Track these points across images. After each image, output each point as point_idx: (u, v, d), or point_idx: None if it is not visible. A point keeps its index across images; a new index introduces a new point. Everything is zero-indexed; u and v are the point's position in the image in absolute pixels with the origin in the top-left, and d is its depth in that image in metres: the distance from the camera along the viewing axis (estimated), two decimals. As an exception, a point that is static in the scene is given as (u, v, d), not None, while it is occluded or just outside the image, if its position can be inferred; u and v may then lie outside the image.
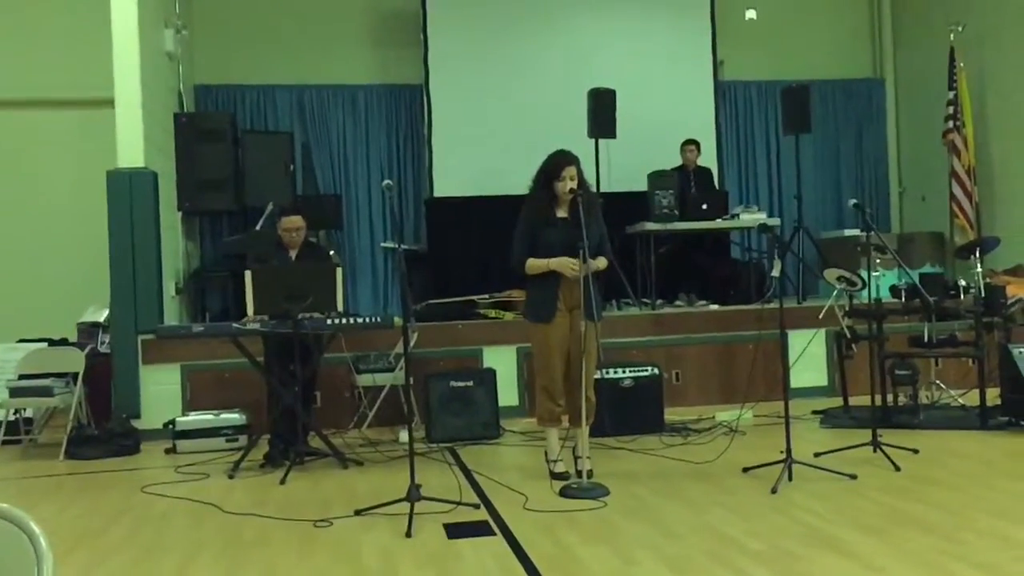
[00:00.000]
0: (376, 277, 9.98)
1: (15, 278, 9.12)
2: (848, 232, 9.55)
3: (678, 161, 9.13)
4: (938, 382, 6.99)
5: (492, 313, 7.85)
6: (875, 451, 5.25)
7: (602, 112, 8.51)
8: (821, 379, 7.84)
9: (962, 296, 6.48)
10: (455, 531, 4.18)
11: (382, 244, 9.89)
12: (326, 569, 3.73)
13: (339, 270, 5.92)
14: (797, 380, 7.53)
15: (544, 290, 5.08)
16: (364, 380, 6.96)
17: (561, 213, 5.11)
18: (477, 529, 4.22)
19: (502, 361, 7.29)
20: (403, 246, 5.43)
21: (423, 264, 9.22)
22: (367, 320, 6.02)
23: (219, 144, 8.54)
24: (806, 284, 8.94)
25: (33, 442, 7.09)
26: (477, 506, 4.58)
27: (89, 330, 7.70)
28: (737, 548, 3.74)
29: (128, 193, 7.15)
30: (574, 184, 5.01)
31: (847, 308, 6.74)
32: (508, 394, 7.20)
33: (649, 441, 6.13)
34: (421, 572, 3.63)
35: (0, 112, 9.35)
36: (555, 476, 5.12)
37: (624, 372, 6.56)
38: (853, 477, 4.81)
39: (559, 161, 5.07)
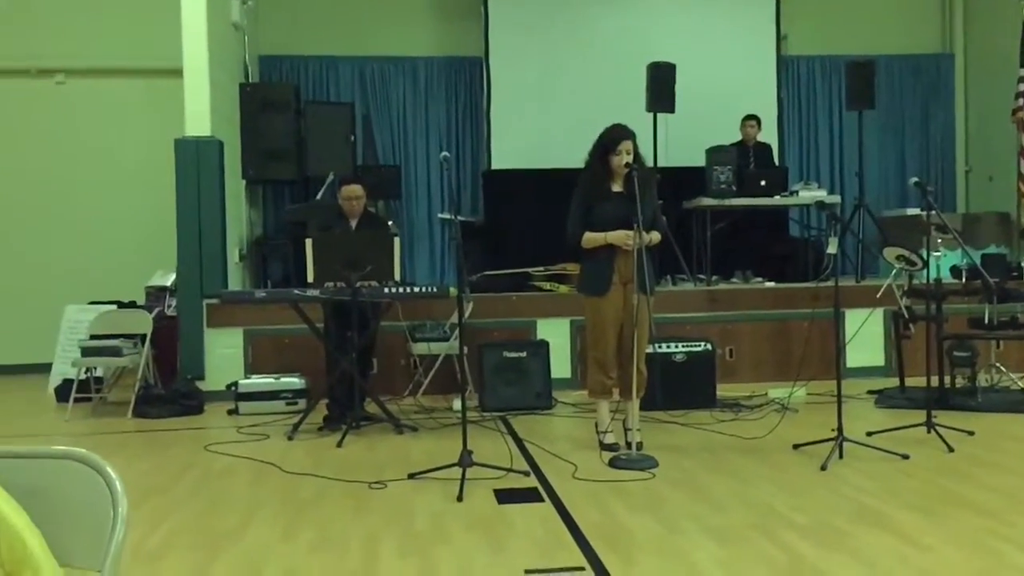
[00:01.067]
0: (433, 248, 10.10)
1: (86, 243, 9.45)
2: (911, 211, 9.36)
3: (737, 136, 9.05)
4: (998, 365, 6.89)
5: (547, 285, 7.92)
6: (929, 432, 5.22)
7: (661, 86, 8.46)
8: (878, 359, 7.76)
9: (1025, 278, 6.36)
10: (505, 496, 4.28)
11: (439, 215, 10.00)
12: (379, 529, 3.85)
13: (397, 240, 6.03)
14: (853, 360, 7.54)
15: (599, 263, 5.12)
16: (419, 349, 7.09)
17: (616, 187, 5.14)
18: (526, 496, 4.31)
19: (555, 333, 7.36)
20: (460, 217, 5.51)
21: (479, 236, 9.30)
22: (423, 289, 6.14)
23: (283, 114, 8.71)
24: (865, 263, 8.84)
25: (103, 400, 7.37)
26: (527, 473, 4.68)
27: (157, 294, 7.96)
28: (783, 522, 3.78)
29: (195, 161, 7.35)
30: (630, 158, 5.04)
31: (906, 288, 6.66)
32: (561, 366, 7.27)
33: (700, 416, 6.16)
34: (470, 534, 3.74)
35: (72, 80, 9.65)
36: (605, 447, 5.19)
37: (677, 347, 6.58)
38: (905, 457, 4.80)
39: (615, 135, 5.10)
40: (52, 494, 1.61)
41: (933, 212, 5.61)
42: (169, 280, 7.91)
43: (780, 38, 9.97)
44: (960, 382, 6.41)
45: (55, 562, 1.49)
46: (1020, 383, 6.67)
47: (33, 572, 1.46)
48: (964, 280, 6.59)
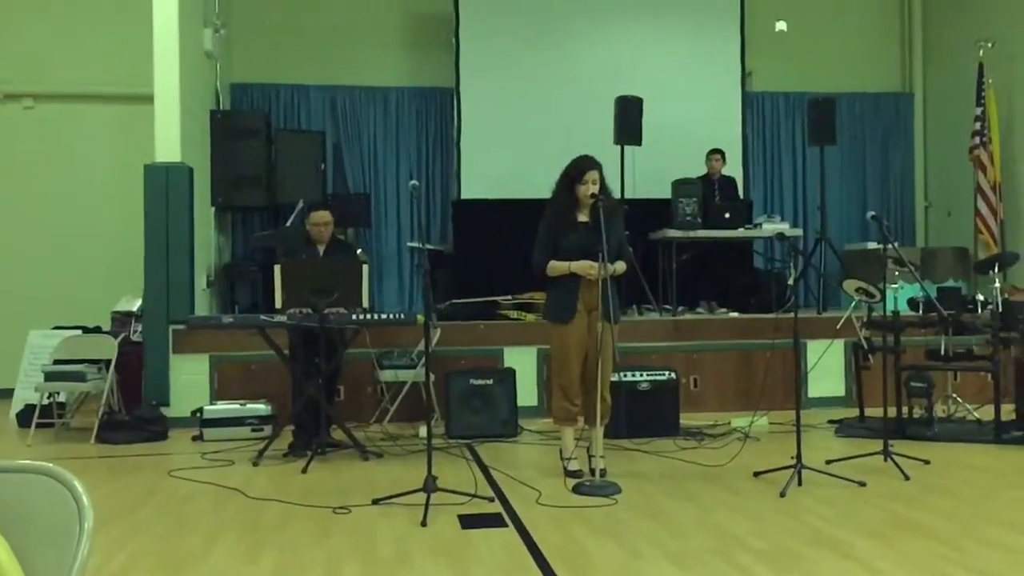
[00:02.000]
0: (402, 276, 10.16)
1: (52, 266, 9.39)
2: (871, 245, 9.57)
3: (703, 170, 9.23)
4: (954, 395, 7.03)
5: (514, 314, 7.99)
6: (886, 460, 5.32)
7: (628, 119, 8.62)
8: (838, 389, 7.90)
9: (980, 311, 6.53)
10: (469, 522, 4.31)
11: (408, 244, 10.06)
12: (343, 553, 3.87)
13: (365, 267, 6.07)
14: (815, 390, 7.67)
15: (564, 292, 5.20)
16: (387, 376, 7.11)
17: (582, 217, 5.24)
18: (490, 520, 4.35)
19: (522, 361, 7.42)
20: (428, 246, 5.58)
21: (448, 264, 9.37)
22: (391, 317, 6.19)
23: (253, 142, 8.75)
24: (827, 295, 9.00)
25: (65, 426, 7.31)
26: (492, 499, 4.72)
27: (122, 319, 7.93)
28: (741, 546, 3.85)
29: (164, 187, 7.37)
30: (596, 188, 5.14)
31: (865, 319, 6.81)
32: (527, 394, 7.33)
33: (663, 444, 6.23)
34: (434, 559, 3.77)
35: (43, 105, 9.65)
36: (569, 474, 5.24)
37: (642, 376, 6.67)
38: (862, 484, 4.90)
39: (582, 165, 5.20)
40: (19, 507, 1.64)
41: (890, 246, 5.76)
42: (135, 305, 7.89)
43: (745, 74, 10.20)
44: (917, 412, 6.54)
45: (22, 572, 1.52)
46: (975, 414, 6.82)
47: (-1, 583, 1.49)
48: (921, 312, 6.74)
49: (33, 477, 1.67)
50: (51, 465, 1.69)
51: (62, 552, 1.62)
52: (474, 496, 4.66)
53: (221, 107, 9.15)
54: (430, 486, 4.53)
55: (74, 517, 1.65)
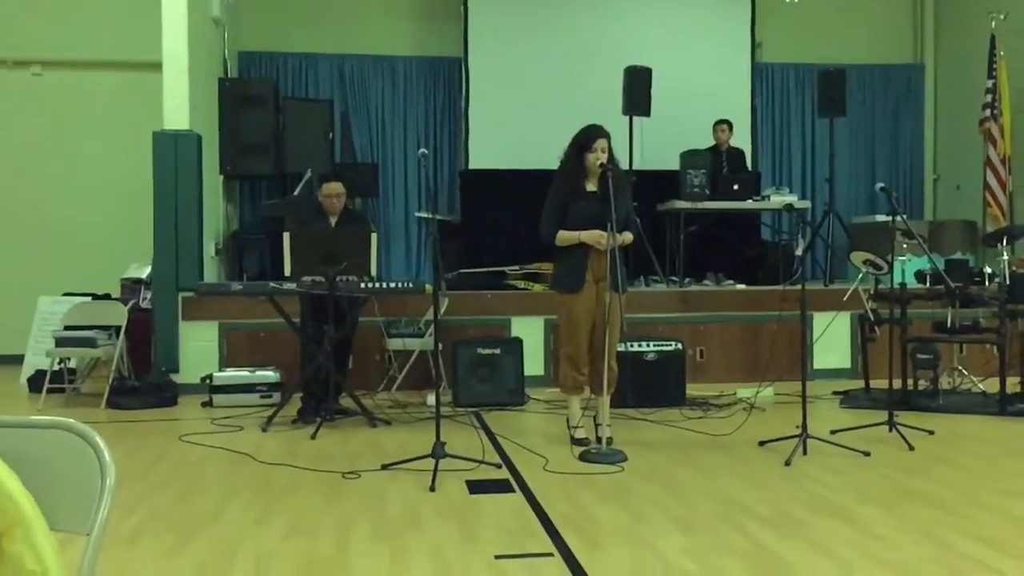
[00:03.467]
0: (409, 246, 10.17)
1: (62, 234, 9.43)
2: (880, 217, 9.56)
3: (711, 141, 9.20)
4: (960, 368, 7.06)
5: (521, 284, 8.01)
6: (891, 431, 5.35)
7: (637, 90, 8.59)
8: (844, 361, 7.92)
9: (987, 283, 6.54)
10: (477, 487, 4.36)
11: (416, 214, 10.07)
12: (352, 516, 3.92)
13: (374, 236, 6.09)
14: (820, 361, 7.69)
15: (572, 261, 5.22)
16: (395, 344, 7.15)
17: (591, 187, 5.24)
18: (498, 487, 4.40)
19: (529, 331, 7.45)
20: (437, 216, 5.60)
21: (456, 234, 9.39)
22: (399, 285, 6.21)
23: (261, 110, 8.74)
24: (834, 267, 9.01)
25: (76, 391, 7.38)
26: (499, 466, 4.77)
27: (132, 286, 7.97)
28: (745, 512, 3.90)
29: (173, 154, 7.37)
30: (605, 156, 5.14)
31: (872, 292, 6.82)
32: (534, 363, 7.37)
33: (670, 414, 6.27)
34: (442, 522, 3.82)
35: (52, 72, 9.63)
36: (575, 442, 5.28)
37: (649, 346, 6.70)
38: (866, 454, 4.93)
39: (591, 133, 5.20)
40: (42, 462, 1.67)
41: (898, 217, 5.76)
42: (144, 273, 7.93)
43: (755, 46, 10.14)
44: (923, 384, 6.57)
45: (46, 524, 1.56)
46: (981, 386, 6.84)
47: (24, 532, 1.53)
48: (928, 285, 6.75)
49: (56, 433, 1.71)
50: (73, 421, 1.73)
51: (85, 505, 1.66)
52: (482, 462, 4.71)
53: (229, 75, 9.13)
54: (438, 452, 4.58)
55: (96, 473, 1.68)
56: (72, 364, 7.47)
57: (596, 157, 5.15)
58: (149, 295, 7.66)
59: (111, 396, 6.85)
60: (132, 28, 9.02)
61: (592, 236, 5.11)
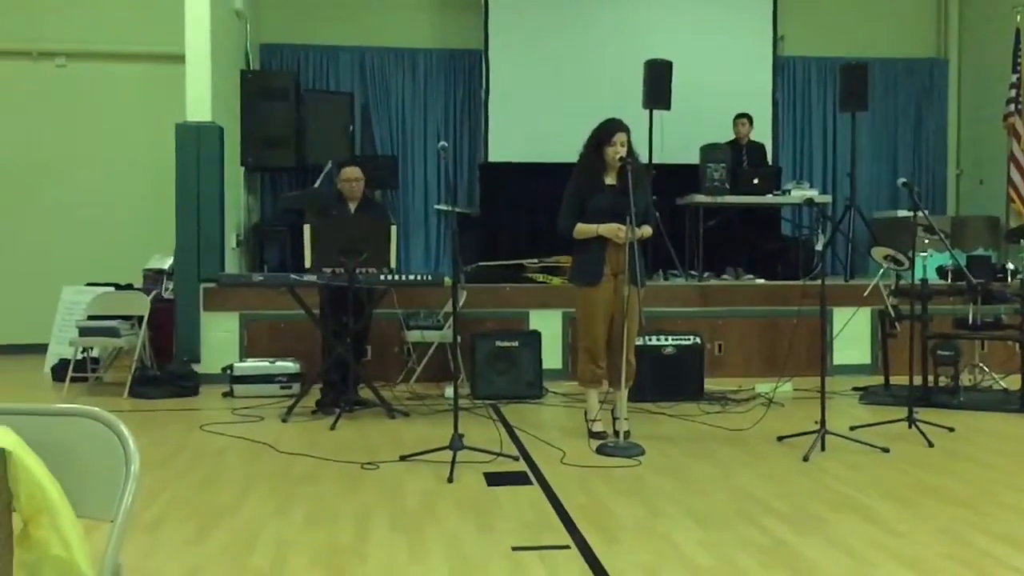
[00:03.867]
0: (428, 238, 10.20)
1: (85, 225, 9.52)
2: (901, 212, 9.50)
3: (731, 135, 9.16)
4: (981, 364, 7.01)
5: (540, 277, 8.02)
6: (910, 427, 5.33)
7: (657, 83, 8.57)
8: (865, 357, 7.88)
9: (1009, 280, 6.48)
10: (494, 479, 4.38)
11: (436, 206, 10.10)
12: (371, 506, 3.96)
13: (393, 228, 6.12)
14: (840, 357, 7.66)
15: (591, 254, 5.23)
16: (413, 336, 7.18)
17: (610, 180, 5.25)
18: (515, 479, 4.42)
19: (548, 324, 7.46)
20: (456, 208, 5.61)
21: (475, 227, 9.41)
22: (419, 278, 6.24)
23: (282, 102, 8.78)
24: (855, 262, 8.96)
25: (99, 380, 7.47)
26: (516, 458, 4.79)
27: (154, 276, 8.04)
28: (763, 507, 3.90)
29: (195, 146, 7.42)
30: (624, 150, 5.14)
31: (893, 287, 6.78)
32: (552, 356, 7.37)
33: (688, 408, 6.27)
34: (460, 513, 3.84)
35: (75, 63, 9.72)
36: (593, 435, 5.29)
37: (667, 340, 6.69)
38: (885, 450, 4.91)
39: (610, 127, 5.20)
40: (68, 449, 1.70)
41: (920, 213, 5.72)
42: (167, 263, 7.99)
43: (776, 39, 10.08)
44: (943, 381, 6.53)
45: (72, 510, 1.59)
46: (1002, 383, 6.80)
47: (51, 519, 1.56)
48: (949, 281, 6.70)
49: (81, 421, 1.74)
50: (98, 409, 1.75)
51: (110, 492, 1.68)
52: (499, 455, 4.73)
53: (251, 67, 9.18)
54: (456, 444, 4.60)
55: (120, 460, 1.71)
56: (95, 353, 7.55)
57: (615, 151, 5.15)
58: (171, 285, 7.72)
59: (133, 385, 6.92)
60: (155, 20, 9.09)
61: (610, 229, 5.11)
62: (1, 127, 9.62)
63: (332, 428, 5.62)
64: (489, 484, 4.31)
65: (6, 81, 9.65)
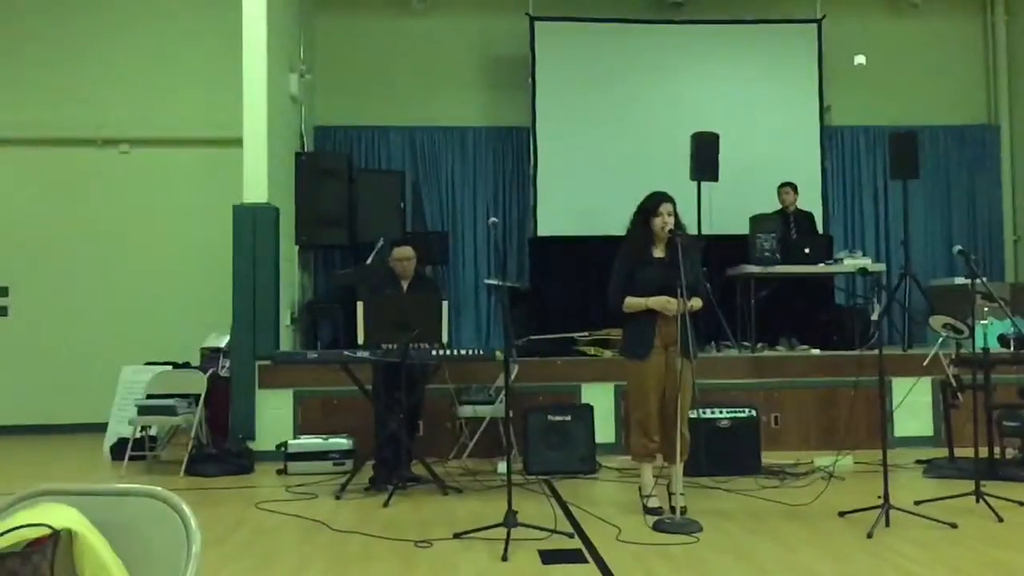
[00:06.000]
0: (479, 313, 10.26)
1: (144, 304, 9.76)
2: (959, 280, 9.34)
3: (779, 205, 9.14)
4: (1050, 435, 6.78)
5: (591, 351, 8.00)
6: (978, 502, 5.16)
7: (705, 155, 8.62)
8: (927, 429, 7.68)
9: (1075, 347, 6.31)
10: (549, 557, 4.32)
11: (486, 280, 10.18)
12: (426, 585, 3.92)
13: (445, 303, 6.17)
14: (901, 429, 7.48)
15: (641, 327, 5.21)
16: (465, 411, 7.17)
17: (658, 253, 5.26)
18: (571, 556, 4.35)
19: (600, 397, 7.41)
20: (507, 283, 5.66)
21: (525, 301, 9.45)
22: (470, 352, 6.26)
23: (336, 182, 9.00)
24: (912, 332, 8.79)
25: (156, 458, 7.55)
26: (571, 535, 4.72)
27: (211, 355, 8.17)
28: (827, 586, 3.78)
29: (252, 227, 7.61)
30: (671, 220, 5.16)
31: (953, 356, 6.64)
32: (605, 430, 7.31)
33: (744, 482, 6.15)
34: (515, 593, 3.79)
35: (138, 149, 10.09)
36: (648, 511, 5.20)
37: (722, 412, 6.60)
38: (953, 526, 4.76)
39: (656, 199, 5.24)
40: (130, 528, 1.73)
41: (978, 280, 5.62)
42: (223, 342, 8.13)
43: (824, 109, 10.12)
44: (1010, 453, 6.33)
45: (136, 591, 1.61)
46: (1072, 454, 6.56)
47: (115, 599, 1.58)
48: (1012, 349, 6.54)
49: (144, 500, 1.77)
50: (160, 489, 1.79)
51: (170, 573, 1.71)
52: (554, 531, 4.67)
53: (305, 148, 9.44)
54: (511, 521, 4.56)
55: (182, 540, 1.74)
56: (153, 432, 7.66)
57: (663, 222, 5.17)
58: (227, 363, 7.84)
59: (190, 464, 6.99)
60: (213, 106, 9.42)
61: (659, 302, 5.10)
62: (66, 211, 9.97)
63: (385, 505, 5.61)
64: (544, 562, 4.25)
65: (72, 167, 10.04)
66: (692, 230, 7.00)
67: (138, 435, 7.36)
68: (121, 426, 7.85)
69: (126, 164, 10.09)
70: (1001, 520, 4.90)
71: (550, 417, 6.82)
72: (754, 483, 6.13)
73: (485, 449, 7.20)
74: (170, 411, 7.21)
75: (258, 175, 7.67)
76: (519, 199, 10.35)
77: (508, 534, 4.46)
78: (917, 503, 5.11)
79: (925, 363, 6.79)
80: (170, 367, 8.07)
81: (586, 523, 5.04)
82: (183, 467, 6.96)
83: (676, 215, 5.22)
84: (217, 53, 9.25)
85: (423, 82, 10.38)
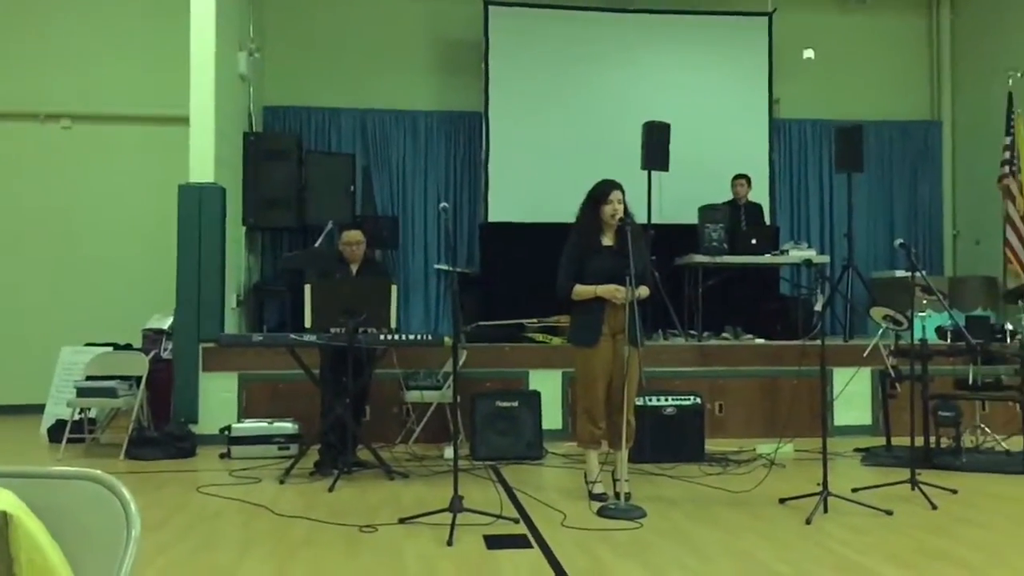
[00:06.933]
0: (428, 298, 10.23)
1: (85, 284, 9.55)
2: (899, 272, 9.55)
3: (729, 196, 9.25)
4: (983, 426, 6.98)
5: (540, 337, 8.02)
6: (913, 489, 5.29)
7: (656, 145, 8.67)
8: (865, 418, 7.85)
9: (1009, 340, 6.49)
10: (494, 542, 4.33)
11: (436, 266, 10.14)
12: (370, 570, 3.91)
13: (394, 288, 6.14)
14: (841, 418, 7.63)
15: (589, 315, 5.24)
16: (412, 396, 7.16)
17: (607, 241, 5.28)
18: (516, 542, 4.37)
19: (547, 384, 7.44)
20: (456, 268, 5.64)
21: (474, 287, 9.44)
22: (418, 338, 6.24)
23: (284, 163, 8.89)
24: (854, 322, 8.97)
25: (96, 441, 7.41)
26: (517, 520, 4.74)
27: (153, 336, 8.02)
28: (767, 572, 3.85)
29: (197, 207, 7.49)
30: (621, 208, 5.18)
31: (892, 348, 6.78)
32: (552, 417, 7.34)
33: (688, 469, 6.22)
34: (460, 578, 3.80)
35: (80, 126, 9.84)
36: (594, 497, 5.24)
37: (667, 400, 6.67)
38: (889, 513, 4.87)
39: (605, 186, 5.27)
40: (68, 512, 1.69)
41: (918, 273, 5.75)
42: (166, 323, 7.99)
43: (773, 101, 10.24)
44: (945, 442, 6.49)
45: (72, 574, 1.57)
46: (1003, 444, 6.76)
47: (51, 585, 1.54)
48: (949, 341, 6.71)
49: (82, 484, 1.73)
50: (99, 472, 1.75)
51: (109, 558, 1.67)
52: (499, 517, 4.68)
53: (254, 129, 9.30)
54: (456, 506, 4.56)
55: (121, 524, 1.70)
56: (92, 414, 7.51)
57: (613, 209, 5.19)
58: (170, 346, 7.71)
59: (130, 447, 6.87)
60: (159, 83, 9.23)
61: (607, 290, 5.13)
62: (6, 187, 9.70)
63: (330, 490, 5.57)
64: (489, 547, 4.26)
65: (12, 142, 9.75)
66: (642, 219, 7.06)
67: (77, 417, 7.21)
68: (59, 408, 7.69)
69: (69, 140, 9.84)
70: (935, 507, 5.03)
71: (498, 403, 6.83)
72: (698, 470, 6.21)
73: (432, 434, 7.19)
74: (110, 393, 7.08)
75: (205, 154, 7.55)
76: (470, 184, 10.33)
77: (453, 519, 4.46)
78: (855, 490, 5.22)
79: (865, 354, 6.94)
80: (111, 348, 7.92)
81: (531, 508, 5.06)
82: (123, 450, 6.84)
83: (625, 203, 5.25)
84: (165, 29, 9.06)
85: (375, 64, 10.28)
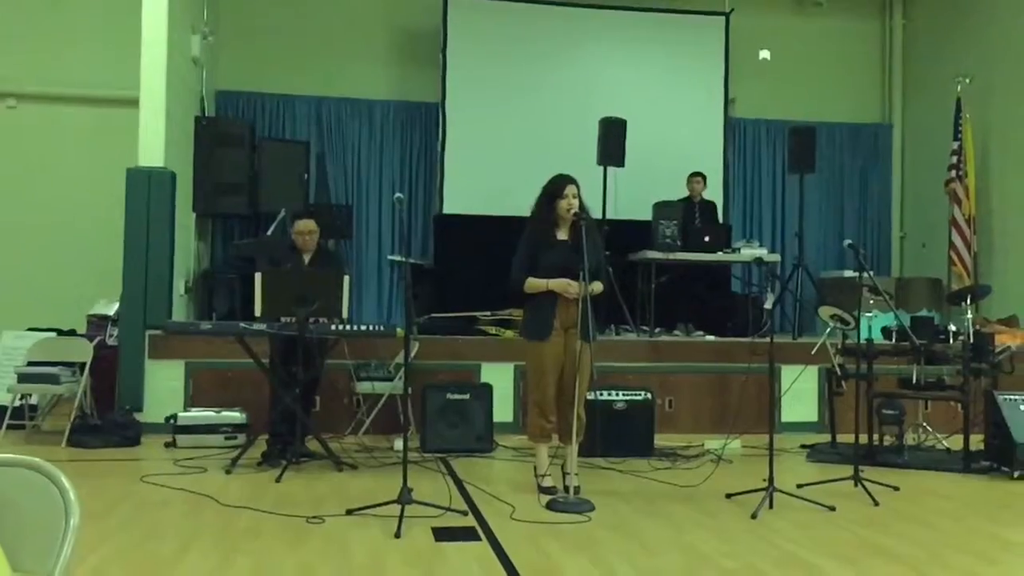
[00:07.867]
0: (381, 288, 10.17)
1: (28, 268, 9.33)
2: (847, 273, 9.71)
3: (684, 193, 9.32)
4: (925, 424, 7.12)
5: (492, 330, 8.02)
6: (856, 486, 5.38)
7: (612, 141, 8.71)
8: (812, 415, 7.97)
9: (952, 341, 6.63)
10: (442, 535, 4.32)
11: (389, 257, 10.09)
12: (315, 562, 3.87)
13: (346, 278, 6.08)
14: (788, 414, 7.74)
15: (541, 309, 5.24)
16: (363, 387, 7.10)
17: (562, 235, 5.28)
18: (464, 534, 4.36)
19: (499, 377, 7.43)
20: (410, 259, 5.61)
21: (428, 278, 9.40)
22: (370, 328, 6.19)
23: (237, 149, 8.77)
24: (802, 321, 9.10)
25: (37, 428, 7.25)
26: (465, 513, 4.73)
27: (98, 322, 7.87)
28: (711, 565, 3.89)
29: (146, 191, 7.35)
30: (576, 202, 5.19)
31: (839, 346, 6.89)
32: (503, 410, 7.34)
33: (637, 464, 6.26)
34: (408, 570, 3.78)
35: (26, 105, 9.61)
36: (543, 490, 5.26)
37: (618, 395, 6.71)
38: (832, 509, 4.95)
39: (560, 181, 5.26)
40: (5, 500, 1.65)
41: (865, 274, 5.84)
42: (112, 309, 7.84)
43: (728, 101, 10.34)
44: (888, 440, 6.62)
45: (7, 564, 1.53)
46: (945, 443, 6.91)
47: (-16, 574, 1.50)
48: (894, 341, 6.83)
49: (19, 471, 1.69)
50: (37, 459, 1.71)
51: (48, 546, 1.63)
52: (448, 509, 4.67)
53: (206, 113, 9.15)
54: (405, 498, 4.54)
55: (60, 512, 1.67)
56: (34, 400, 7.34)
57: (568, 203, 5.20)
58: (116, 332, 7.57)
59: (73, 434, 6.73)
60: (109, 64, 9.04)
61: (560, 284, 5.13)
62: (-54, 167, 9.44)
63: (278, 480, 5.51)
64: (437, 539, 4.25)
65: (-46, 121, 9.50)
66: (596, 214, 7.08)
67: (17, 403, 7.05)
68: None
69: (13, 119, 9.62)
70: (877, 504, 5.12)
71: (449, 395, 6.81)
72: (647, 464, 6.25)
73: (382, 426, 7.14)
74: (53, 379, 6.93)
75: (154, 137, 7.41)
76: (425, 176, 10.28)
77: (402, 511, 4.44)
78: (799, 486, 5.30)
79: (813, 352, 7.04)
80: (54, 334, 7.74)
81: (480, 501, 5.06)
82: (65, 438, 6.71)
83: (581, 198, 5.25)
84: (116, 8, 8.88)
85: (331, 51, 10.18)
